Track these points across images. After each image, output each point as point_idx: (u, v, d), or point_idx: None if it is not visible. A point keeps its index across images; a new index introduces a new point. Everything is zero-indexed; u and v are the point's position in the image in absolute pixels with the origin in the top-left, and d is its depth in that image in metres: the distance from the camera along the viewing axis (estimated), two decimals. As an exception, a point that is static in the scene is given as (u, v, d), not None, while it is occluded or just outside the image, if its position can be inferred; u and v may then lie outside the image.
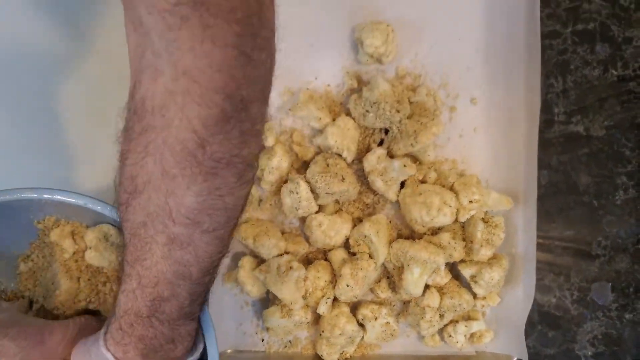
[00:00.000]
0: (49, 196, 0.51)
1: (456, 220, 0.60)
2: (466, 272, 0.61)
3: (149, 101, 0.31)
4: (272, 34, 0.32)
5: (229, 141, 0.32)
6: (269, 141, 0.60)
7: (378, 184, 0.60)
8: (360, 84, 0.63)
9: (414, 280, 0.59)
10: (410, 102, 0.61)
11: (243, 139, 0.33)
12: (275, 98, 0.62)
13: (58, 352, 0.46)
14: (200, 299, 0.42)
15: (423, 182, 0.61)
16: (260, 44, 0.31)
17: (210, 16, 0.28)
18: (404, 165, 0.58)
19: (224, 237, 0.38)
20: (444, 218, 0.58)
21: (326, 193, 0.58)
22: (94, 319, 0.53)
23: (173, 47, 0.29)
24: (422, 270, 0.59)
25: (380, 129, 0.62)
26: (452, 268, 0.63)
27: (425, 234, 0.61)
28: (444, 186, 0.61)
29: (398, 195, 0.61)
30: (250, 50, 0.30)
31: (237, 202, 0.36)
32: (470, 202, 0.58)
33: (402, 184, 0.61)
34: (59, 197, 0.51)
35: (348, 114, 0.62)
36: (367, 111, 0.59)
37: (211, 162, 0.32)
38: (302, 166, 0.63)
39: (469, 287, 0.62)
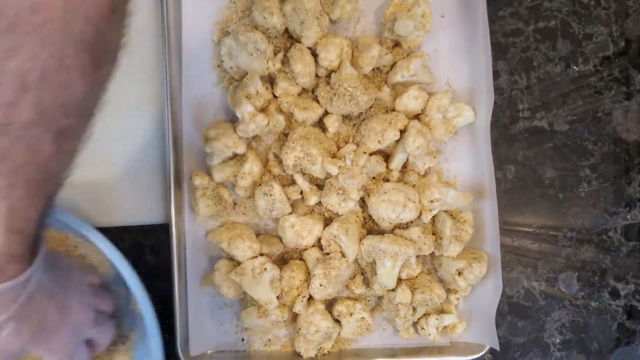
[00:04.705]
0: None
1: (420, 217, 0.62)
2: (454, 265, 0.62)
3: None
4: None
5: (117, 30, 0.37)
6: (241, 149, 0.61)
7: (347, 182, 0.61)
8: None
9: (386, 273, 0.61)
10: (376, 100, 0.62)
11: (126, 28, 0.37)
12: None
13: None
14: (28, 213, 0.39)
15: (386, 180, 0.63)
16: None
17: None
18: (377, 162, 0.60)
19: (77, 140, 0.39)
20: (410, 214, 0.60)
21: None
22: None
23: None
24: (393, 262, 0.60)
25: (353, 125, 0.63)
26: (425, 262, 0.65)
27: (394, 230, 0.63)
28: (406, 184, 0.63)
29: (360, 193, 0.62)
30: None
31: (95, 103, 0.38)
32: (431, 201, 0.60)
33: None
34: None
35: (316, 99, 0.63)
36: (334, 94, 0.60)
37: (102, 51, 0.36)
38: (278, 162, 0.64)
39: (441, 281, 0.65)
